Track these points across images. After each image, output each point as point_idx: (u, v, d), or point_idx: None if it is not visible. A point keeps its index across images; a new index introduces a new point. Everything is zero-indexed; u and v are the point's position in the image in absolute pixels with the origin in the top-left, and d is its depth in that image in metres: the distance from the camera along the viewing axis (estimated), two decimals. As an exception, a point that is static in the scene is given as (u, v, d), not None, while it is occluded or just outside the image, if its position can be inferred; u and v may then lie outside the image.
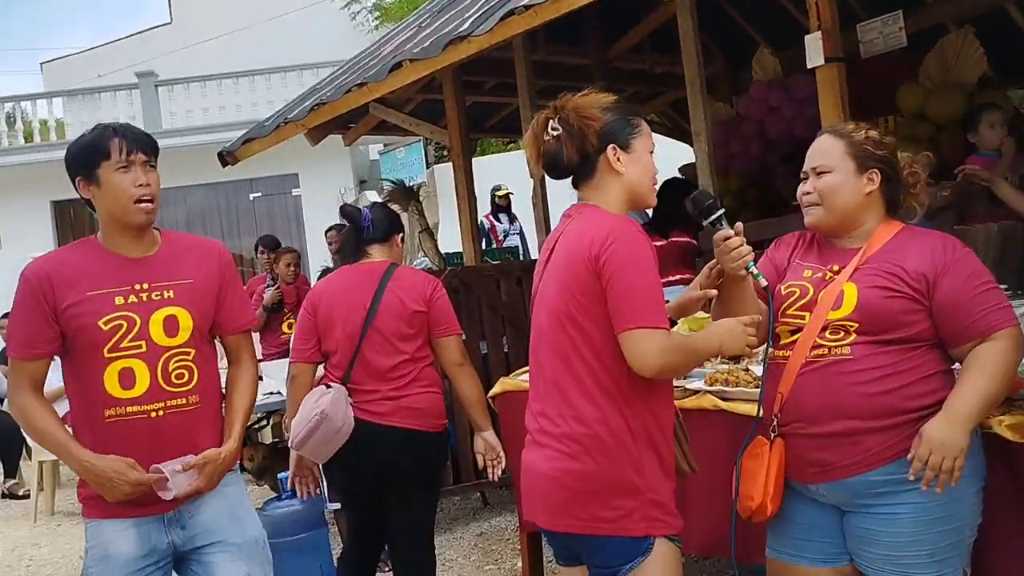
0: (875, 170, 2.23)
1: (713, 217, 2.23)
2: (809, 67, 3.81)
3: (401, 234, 3.51)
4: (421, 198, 7.17)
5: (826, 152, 2.26)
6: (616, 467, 2.11)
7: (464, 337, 3.42)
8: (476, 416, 3.42)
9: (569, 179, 2.29)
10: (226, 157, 6.17)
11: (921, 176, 2.29)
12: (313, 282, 5.59)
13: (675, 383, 3.10)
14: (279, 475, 4.18)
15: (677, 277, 4.92)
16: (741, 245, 2.17)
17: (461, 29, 4.17)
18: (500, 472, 3.44)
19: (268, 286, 6.77)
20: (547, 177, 2.37)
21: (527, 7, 3.72)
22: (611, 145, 2.19)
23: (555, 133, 2.20)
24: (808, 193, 2.27)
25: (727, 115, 6.27)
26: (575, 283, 2.13)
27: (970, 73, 5.09)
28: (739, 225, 2.21)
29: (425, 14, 5.85)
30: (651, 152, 2.27)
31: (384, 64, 4.77)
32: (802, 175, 2.31)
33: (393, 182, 7.04)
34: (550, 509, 2.18)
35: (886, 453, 2.08)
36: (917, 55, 5.25)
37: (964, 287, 2.10)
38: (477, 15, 4.24)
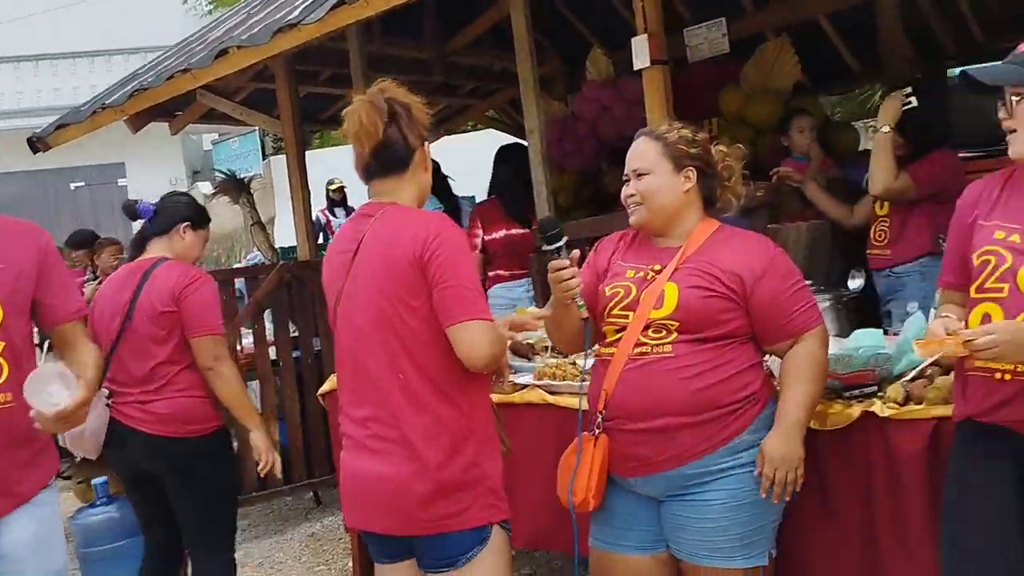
0: (691, 168, 2.31)
1: (555, 245, 2.23)
2: (636, 68, 3.92)
3: (186, 223, 3.26)
4: (254, 190, 6.95)
5: (643, 154, 2.33)
6: (456, 463, 2.10)
7: (219, 335, 3.18)
8: (238, 418, 3.26)
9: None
10: (37, 143, 5.77)
11: (735, 168, 2.39)
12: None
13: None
14: (94, 481, 3.95)
15: (508, 272, 4.95)
16: (572, 278, 2.19)
17: (291, 17, 4.05)
18: (278, 472, 3.40)
19: (88, 280, 6.38)
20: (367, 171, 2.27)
21: (358, -4, 3.66)
22: (426, 142, 2.20)
23: (380, 125, 2.12)
24: (631, 195, 2.33)
25: (562, 113, 6.37)
26: (400, 283, 2.09)
27: (786, 80, 5.37)
28: (575, 254, 2.23)
29: (256, 0, 5.65)
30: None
31: (210, 50, 4.58)
32: (624, 177, 2.37)
33: (224, 173, 6.79)
34: (393, 516, 2.14)
35: (699, 447, 2.16)
36: (739, 61, 5.50)
37: (778, 288, 2.21)
38: (308, 3, 4.13)
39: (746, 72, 5.45)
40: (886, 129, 3.57)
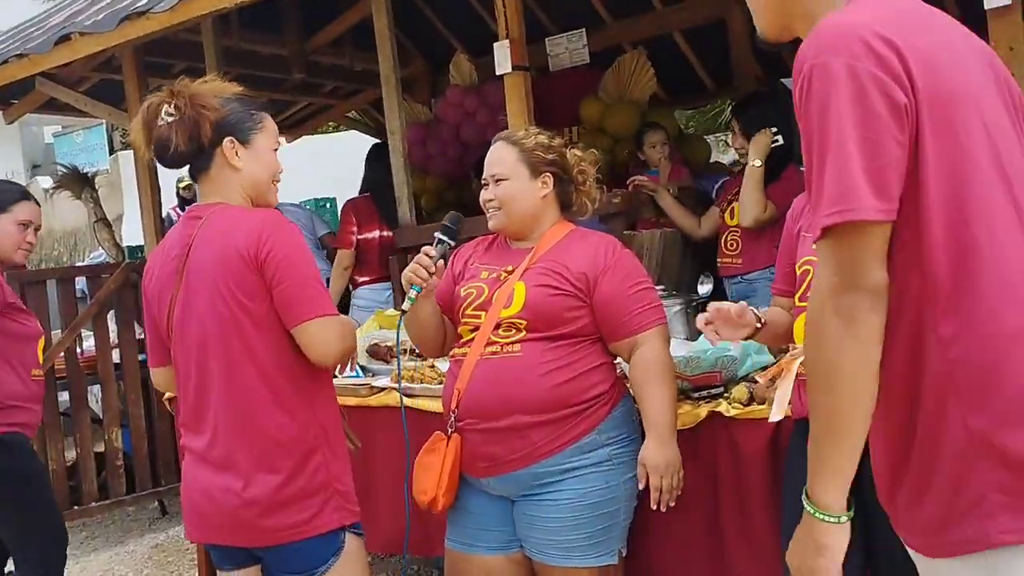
0: (547, 174, 2.35)
1: (444, 239, 2.27)
2: (497, 74, 3.95)
3: None
4: (99, 187, 6.60)
5: (501, 160, 2.35)
6: (303, 469, 2.03)
7: None
8: None
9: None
10: None
11: (589, 173, 2.44)
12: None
13: (362, 381, 3.09)
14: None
15: (377, 275, 4.87)
16: (432, 272, 2.22)
17: (139, 4, 3.87)
18: None
19: None
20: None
21: (212, -14, 3.53)
22: (228, 138, 2.08)
23: (169, 119, 2.03)
24: (490, 200, 2.35)
25: (426, 117, 6.35)
26: (236, 286, 2.01)
27: (642, 92, 5.53)
28: (440, 264, 2.27)
29: (103, -15, 5.37)
30: (275, 149, 2.18)
31: (50, 36, 4.32)
32: (483, 182, 2.38)
33: (65, 167, 6.42)
34: (238, 529, 2.05)
35: (551, 446, 2.18)
36: (599, 71, 5.62)
37: (621, 287, 2.26)
38: (158, -10, 3.95)
39: (605, 83, 5.58)
40: (758, 163, 3.66)
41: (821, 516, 1.27)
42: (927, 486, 1.26)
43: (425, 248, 2.25)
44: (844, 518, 1.28)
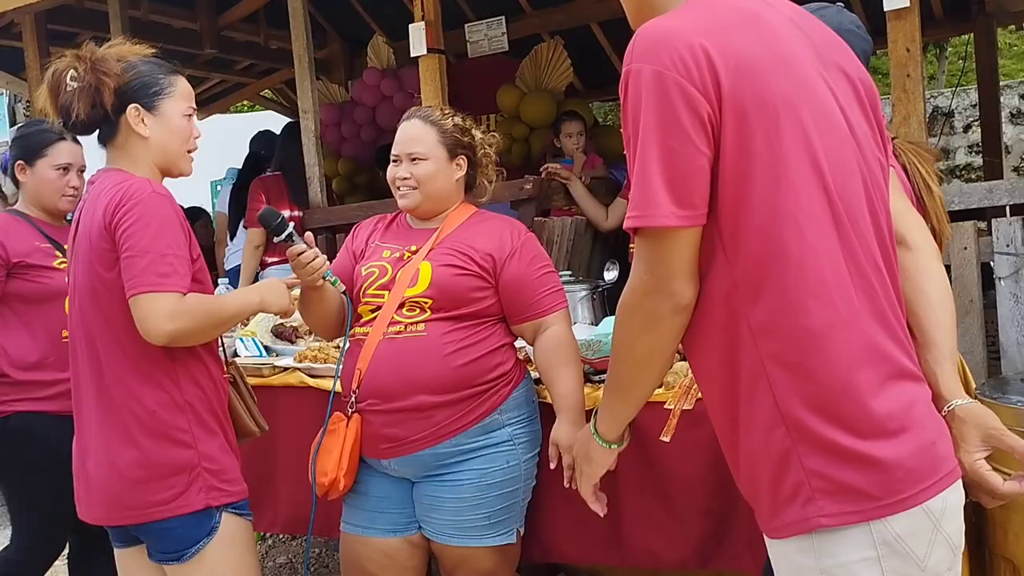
0: (462, 156, 2.35)
1: (284, 234, 2.17)
2: (412, 55, 3.93)
3: None
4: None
5: (420, 139, 2.32)
6: (165, 446, 1.98)
7: None
8: None
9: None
10: None
11: (491, 156, 2.45)
12: None
13: (265, 360, 3.05)
14: None
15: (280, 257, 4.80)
16: (315, 258, 2.16)
17: (39, -33, 3.73)
18: None
19: None
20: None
21: (118, -47, 3.42)
22: (133, 105, 2.01)
23: (73, 85, 1.97)
24: (406, 178, 2.31)
25: (342, 98, 6.28)
26: (97, 256, 1.96)
27: (559, 81, 5.57)
28: (309, 236, 2.19)
29: (2, -52, 5.15)
30: (188, 116, 2.10)
31: (-59, -5, 4.13)
32: (393, 158, 2.35)
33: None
34: (100, 505, 2.02)
35: (453, 426, 2.19)
36: (517, 59, 5.64)
37: (527, 270, 2.27)
38: (61, -45, 3.82)
39: (522, 71, 5.60)
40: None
41: (600, 440, 1.59)
42: (756, 475, 1.35)
43: (289, 252, 2.17)
44: (614, 447, 1.59)
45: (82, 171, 2.85)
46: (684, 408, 2.04)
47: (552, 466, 2.20)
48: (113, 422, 1.98)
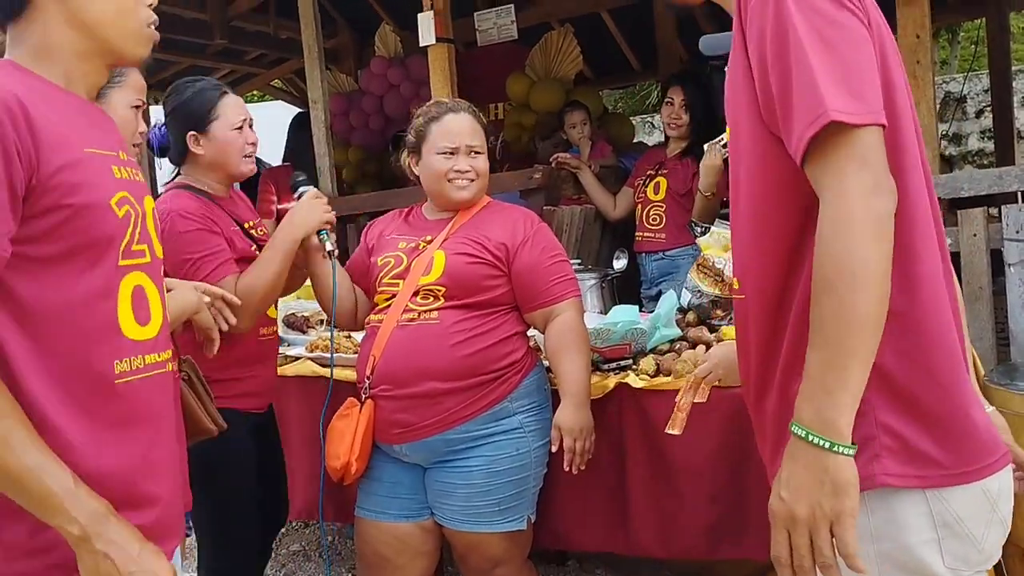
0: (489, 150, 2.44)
1: (305, 187, 2.36)
2: (421, 45, 3.93)
3: None
4: None
5: (477, 132, 2.38)
6: None
7: None
8: None
9: None
10: None
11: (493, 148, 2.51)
12: None
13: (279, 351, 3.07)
14: None
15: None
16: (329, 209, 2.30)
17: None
18: None
19: None
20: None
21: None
22: None
23: None
24: (466, 171, 2.33)
25: (351, 87, 6.29)
26: None
27: (568, 69, 5.56)
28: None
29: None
30: (136, 108, 2.05)
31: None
32: (450, 150, 2.32)
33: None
34: None
35: (463, 412, 2.21)
36: (526, 48, 5.64)
37: (539, 258, 2.29)
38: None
39: (532, 59, 5.59)
40: (710, 195, 3.48)
41: (841, 448, 1.13)
42: None
43: (311, 192, 2.38)
44: (855, 448, 1.15)
45: (251, 124, 2.48)
46: (696, 401, 2.04)
47: (553, 449, 2.22)
48: None
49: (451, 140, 2.33)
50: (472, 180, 2.35)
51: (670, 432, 2.02)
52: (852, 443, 1.14)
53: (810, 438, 1.14)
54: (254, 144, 2.45)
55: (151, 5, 1.42)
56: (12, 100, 1.21)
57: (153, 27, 1.42)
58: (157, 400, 1.40)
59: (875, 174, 1.13)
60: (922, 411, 1.21)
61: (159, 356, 1.41)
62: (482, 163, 2.37)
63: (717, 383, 2.03)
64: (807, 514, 1.14)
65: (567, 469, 2.22)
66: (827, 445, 1.13)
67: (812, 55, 1.15)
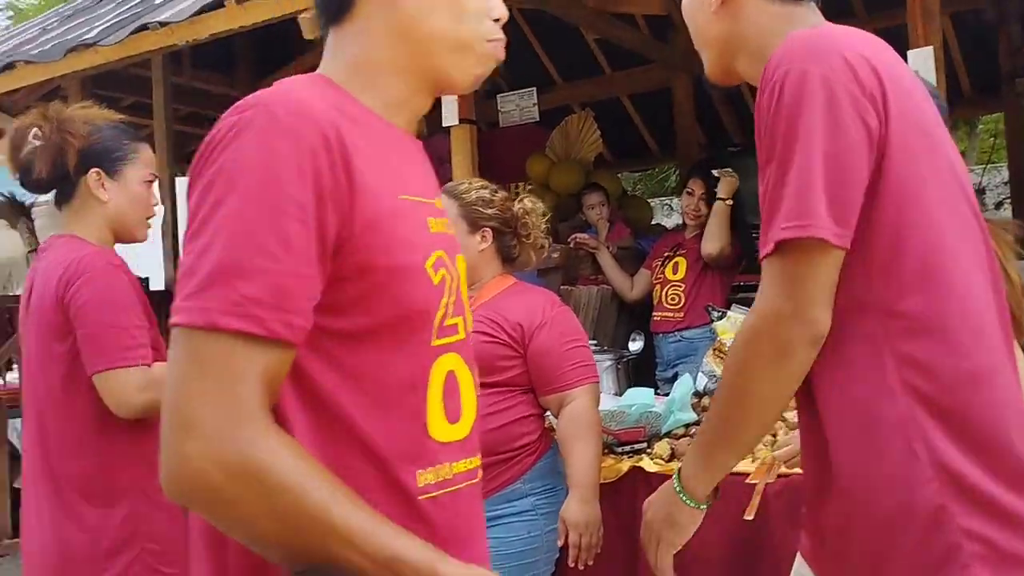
0: (486, 228, 2.35)
1: None
2: (445, 125, 4.00)
3: None
4: (36, 216, 6.49)
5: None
6: (104, 528, 1.89)
7: None
8: None
9: None
10: None
11: (534, 225, 2.42)
12: None
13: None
14: None
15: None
16: None
17: (87, 36, 3.87)
18: None
19: None
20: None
21: (163, 24, 3.55)
22: (94, 169, 1.98)
23: (36, 143, 1.95)
24: None
25: (373, 165, 6.39)
26: (48, 329, 1.92)
27: (588, 151, 5.64)
28: None
29: (53, 18, 5.37)
30: (148, 182, 2.08)
31: (-4, 62, 4.29)
32: None
33: (2, 195, 6.31)
34: None
35: None
36: (547, 130, 5.73)
37: (556, 342, 2.27)
38: (108, 25, 3.97)
39: (552, 141, 5.68)
40: (729, 201, 3.86)
41: (687, 500, 1.34)
42: (891, 540, 1.16)
43: None
44: (703, 506, 1.35)
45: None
46: (768, 482, 1.98)
47: (559, 543, 2.16)
48: (60, 498, 1.89)
49: None
50: None
51: (748, 518, 1.92)
52: (699, 502, 1.33)
53: (675, 480, 1.35)
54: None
55: (499, 21, 1.18)
56: (331, 133, 0.96)
57: (497, 45, 1.18)
58: (465, 520, 1.11)
59: (798, 302, 1.14)
60: (1006, 512, 1.13)
61: (469, 463, 1.13)
62: None
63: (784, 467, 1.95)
64: (648, 520, 1.40)
65: (572, 565, 2.16)
66: (679, 491, 1.34)
67: (804, 158, 1.13)
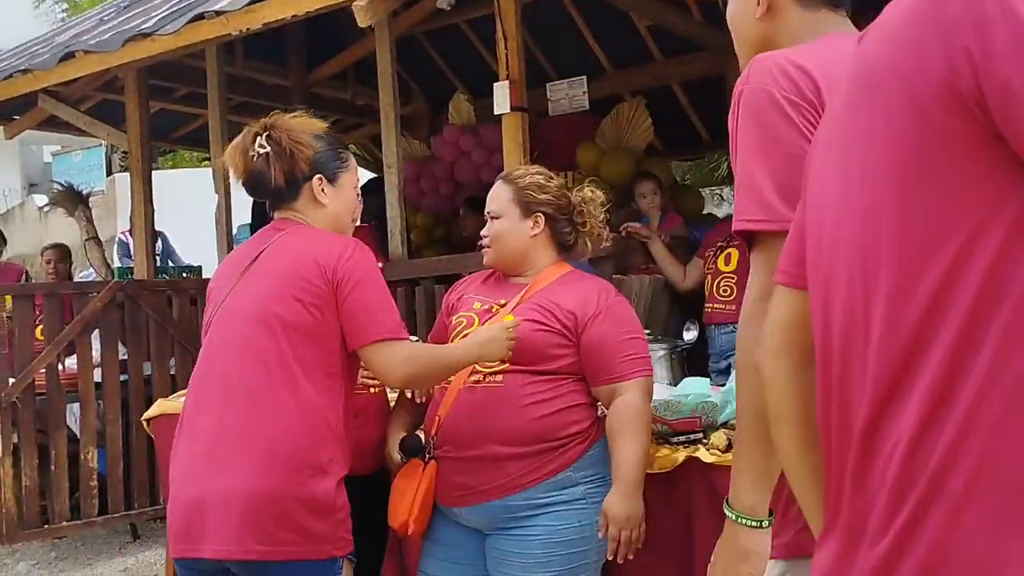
0: (539, 214, 2.36)
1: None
2: (496, 113, 3.99)
3: None
4: (93, 206, 6.62)
5: (497, 198, 2.40)
6: (311, 482, 1.98)
7: None
8: None
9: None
10: None
11: (592, 214, 2.43)
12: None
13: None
14: None
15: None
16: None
17: (145, 26, 3.92)
18: None
19: None
20: (236, 192, 2.29)
21: (218, 13, 3.58)
22: (318, 175, 2.17)
23: (263, 151, 2.11)
24: (484, 236, 2.40)
25: (422, 153, 6.40)
26: (301, 288, 2.03)
27: (639, 140, 5.58)
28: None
29: (110, 8, 5.45)
30: (355, 187, 2.27)
31: (55, 53, 4.37)
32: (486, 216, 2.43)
33: (61, 184, 6.45)
34: (230, 536, 1.95)
35: (525, 479, 2.17)
36: (597, 118, 5.69)
37: (610, 332, 2.25)
38: (165, 15, 4.01)
39: (603, 129, 5.63)
40: None
41: (745, 521, 1.26)
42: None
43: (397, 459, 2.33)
44: (766, 523, 1.26)
45: None
46: None
47: (600, 535, 2.15)
48: (266, 451, 1.97)
49: (487, 207, 2.43)
50: (488, 245, 2.39)
51: None
52: (758, 517, 1.25)
53: (726, 509, 1.29)
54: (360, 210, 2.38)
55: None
56: None
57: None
58: None
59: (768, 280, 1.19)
60: None
61: None
62: (495, 227, 2.38)
63: None
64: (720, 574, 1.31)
65: (610, 559, 2.14)
66: (734, 517, 1.27)
67: (745, 159, 1.27)
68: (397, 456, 2.32)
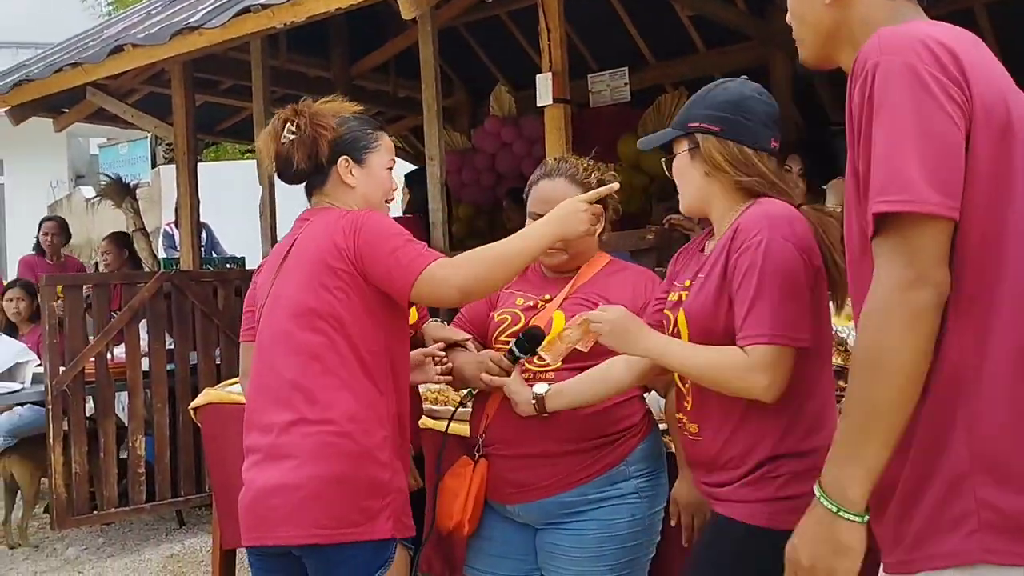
0: (601, 214, 2.27)
1: (523, 355, 2.18)
2: (539, 105, 3.99)
3: None
4: (139, 198, 6.72)
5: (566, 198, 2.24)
6: (367, 465, 2.01)
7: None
8: None
9: (301, 187, 2.24)
10: (-93, 127, 5.44)
11: (612, 201, 2.34)
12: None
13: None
14: None
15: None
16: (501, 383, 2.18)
17: (192, 20, 3.96)
18: None
19: None
20: (279, 183, 2.30)
21: (264, 6, 3.61)
22: (344, 157, 2.15)
23: (291, 137, 2.11)
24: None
25: (464, 145, 6.42)
26: (325, 275, 2.05)
27: (681, 132, 5.54)
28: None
29: (157, 2, 5.52)
30: (389, 168, 2.24)
31: (104, 46, 4.43)
32: (539, 216, 2.23)
33: (109, 176, 6.56)
34: (291, 521, 1.99)
35: (579, 475, 2.16)
36: (638, 110, 5.66)
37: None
38: (211, 8, 4.06)
39: (644, 121, 5.61)
40: (838, 209, 3.67)
41: (847, 515, 1.24)
42: (913, 498, 1.25)
43: (503, 360, 2.20)
44: (866, 517, 1.25)
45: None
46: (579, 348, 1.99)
47: (672, 523, 2.15)
48: (319, 437, 2.00)
49: (540, 208, 2.26)
50: (560, 249, 2.24)
51: (544, 356, 2.03)
52: (862, 512, 1.24)
53: (822, 499, 1.25)
54: (395, 191, 2.36)
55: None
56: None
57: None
58: None
59: (920, 268, 1.19)
60: None
61: None
62: None
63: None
64: (808, 564, 1.27)
65: (686, 545, 2.13)
66: (834, 509, 1.24)
67: (890, 138, 1.20)
68: (502, 363, 2.19)
